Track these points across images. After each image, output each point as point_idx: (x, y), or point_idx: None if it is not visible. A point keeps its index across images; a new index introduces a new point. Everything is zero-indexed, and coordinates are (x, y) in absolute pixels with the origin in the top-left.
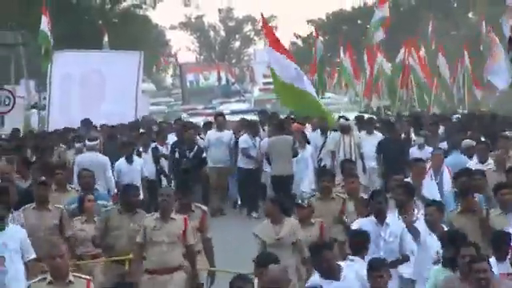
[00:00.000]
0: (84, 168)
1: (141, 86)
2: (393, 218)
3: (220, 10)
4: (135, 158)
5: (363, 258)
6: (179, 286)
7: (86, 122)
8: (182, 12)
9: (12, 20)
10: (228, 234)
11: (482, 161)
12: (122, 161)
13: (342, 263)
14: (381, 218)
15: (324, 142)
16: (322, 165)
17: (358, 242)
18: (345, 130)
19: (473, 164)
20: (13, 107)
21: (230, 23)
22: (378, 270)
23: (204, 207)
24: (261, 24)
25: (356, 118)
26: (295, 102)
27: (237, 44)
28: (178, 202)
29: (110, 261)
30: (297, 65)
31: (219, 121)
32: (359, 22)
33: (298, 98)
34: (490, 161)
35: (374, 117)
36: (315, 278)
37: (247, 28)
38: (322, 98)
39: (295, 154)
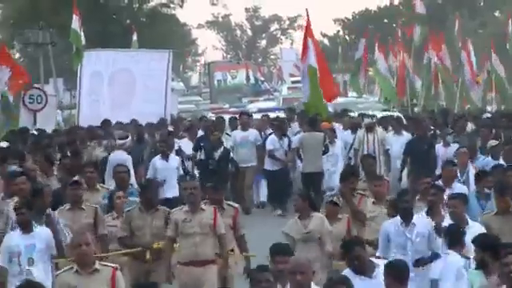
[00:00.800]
0: (119, 164)
1: (170, 84)
2: (419, 218)
3: (247, 9)
4: (172, 155)
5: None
6: (212, 281)
7: (106, 124)
8: (209, 11)
9: (42, 19)
10: (252, 232)
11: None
12: (157, 158)
13: (376, 260)
14: (407, 219)
15: (354, 140)
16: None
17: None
18: (369, 127)
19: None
20: (45, 105)
21: (257, 22)
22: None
23: (236, 204)
24: (303, 21)
25: (383, 117)
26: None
27: (263, 43)
28: (208, 200)
29: (131, 252)
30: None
31: (243, 120)
32: (385, 20)
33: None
34: None
35: (402, 116)
36: (346, 271)
37: (274, 27)
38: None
39: (326, 151)
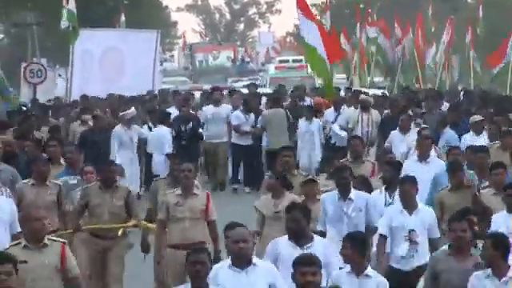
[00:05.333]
0: (68, 144)
1: (158, 63)
2: (358, 193)
3: None
4: (162, 127)
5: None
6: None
7: (84, 99)
8: None
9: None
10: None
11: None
12: (145, 129)
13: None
14: (345, 194)
15: (336, 117)
16: (333, 142)
17: None
18: (365, 106)
19: (469, 137)
20: (45, 79)
21: (235, 6)
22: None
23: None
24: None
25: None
26: (319, 68)
27: (241, 26)
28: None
29: (93, 232)
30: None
31: (215, 96)
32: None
33: (319, 64)
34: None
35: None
36: (282, 239)
37: (252, 11)
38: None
39: (291, 127)
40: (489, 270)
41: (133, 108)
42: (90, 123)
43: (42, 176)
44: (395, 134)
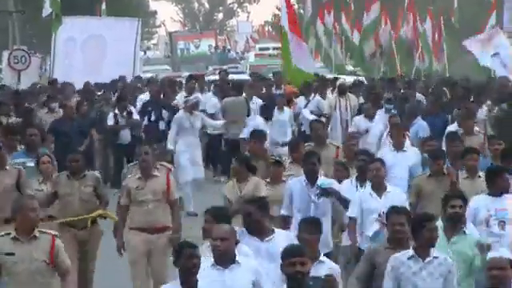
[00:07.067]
0: (31, 127)
1: (139, 50)
2: (325, 179)
3: None
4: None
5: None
6: (163, 247)
7: (53, 84)
8: None
9: None
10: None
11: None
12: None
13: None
14: (312, 180)
15: (306, 104)
16: (303, 130)
17: None
18: (342, 91)
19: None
20: (28, 65)
21: None
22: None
23: (168, 165)
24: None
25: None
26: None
27: (220, 16)
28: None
29: (65, 221)
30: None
31: (189, 85)
32: None
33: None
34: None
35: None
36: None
37: (230, 0)
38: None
39: (248, 114)
40: (411, 251)
41: (197, 94)
42: (57, 111)
43: None
44: (360, 120)
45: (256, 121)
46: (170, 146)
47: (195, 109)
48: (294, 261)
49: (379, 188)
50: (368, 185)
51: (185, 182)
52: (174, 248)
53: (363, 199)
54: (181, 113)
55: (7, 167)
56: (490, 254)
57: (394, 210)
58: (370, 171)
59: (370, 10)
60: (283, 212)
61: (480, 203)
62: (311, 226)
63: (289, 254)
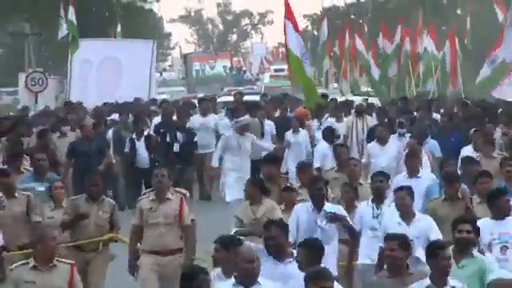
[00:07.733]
0: (37, 150)
1: (154, 72)
2: (332, 205)
3: (218, 5)
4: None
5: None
6: (176, 269)
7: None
8: (181, 5)
9: (25, 12)
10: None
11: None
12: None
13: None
14: (319, 205)
15: (319, 127)
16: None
17: None
18: (359, 112)
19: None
20: (45, 87)
21: (228, 17)
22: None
23: (183, 191)
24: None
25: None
26: (302, 77)
27: (234, 37)
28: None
29: (75, 245)
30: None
31: (203, 106)
32: (352, 16)
33: (302, 75)
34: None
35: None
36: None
37: (244, 22)
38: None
39: (263, 135)
40: (428, 281)
41: (247, 115)
42: (69, 134)
43: (7, 188)
44: (373, 146)
45: (322, 145)
46: (214, 164)
47: (245, 130)
48: (319, 284)
49: (406, 216)
50: (387, 208)
51: (230, 200)
52: (184, 273)
53: (388, 227)
54: (230, 132)
55: (16, 194)
56: (493, 275)
57: (386, 236)
58: (397, 200)
59: (394, 36)
60: (290, 238)
61: (483, 227)
62: (306, 248)
63: (314, 276)
